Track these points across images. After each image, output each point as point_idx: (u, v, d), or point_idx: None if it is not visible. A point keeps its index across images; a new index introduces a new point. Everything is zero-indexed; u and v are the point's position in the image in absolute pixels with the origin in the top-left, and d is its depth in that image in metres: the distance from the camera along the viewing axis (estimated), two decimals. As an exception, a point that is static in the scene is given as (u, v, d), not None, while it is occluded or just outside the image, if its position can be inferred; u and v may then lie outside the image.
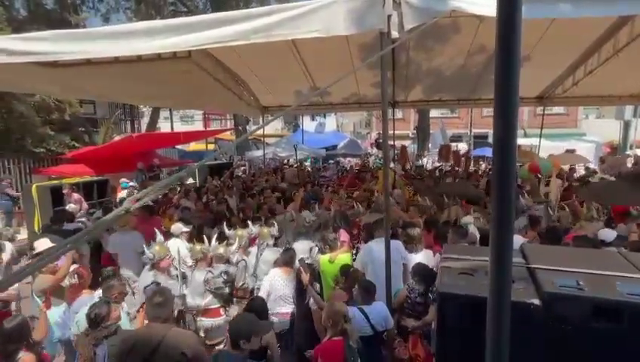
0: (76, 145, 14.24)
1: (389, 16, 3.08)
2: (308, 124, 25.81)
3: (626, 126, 17.68)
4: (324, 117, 29.84)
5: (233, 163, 14.46)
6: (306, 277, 3.89)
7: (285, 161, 16.31)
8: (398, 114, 20.91)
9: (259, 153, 16.12)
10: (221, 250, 4.15)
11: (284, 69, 7.34)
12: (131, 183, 9.28)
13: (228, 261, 4.13)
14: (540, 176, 7.72)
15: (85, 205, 7.92)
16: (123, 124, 19.51)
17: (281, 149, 16.56)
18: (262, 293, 3.86)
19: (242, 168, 14.73)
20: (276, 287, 3.91)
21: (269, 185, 9.11)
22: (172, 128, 20.68)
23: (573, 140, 17.73)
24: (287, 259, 4.06)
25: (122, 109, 19.23)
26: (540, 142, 10.93)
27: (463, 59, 6.95)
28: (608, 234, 4.12)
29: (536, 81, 8.45)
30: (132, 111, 19.88)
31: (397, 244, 4.03)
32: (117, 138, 13.35)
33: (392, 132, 10.57)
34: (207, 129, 22.98)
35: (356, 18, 3.20)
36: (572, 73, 7.67)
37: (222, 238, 4.52)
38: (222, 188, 8.89)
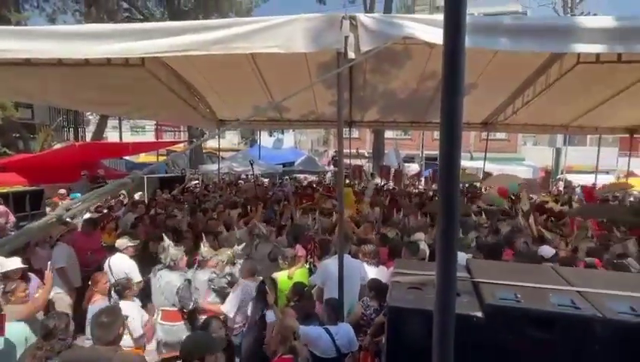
0: (8, 151, 13.04)
1: (346, 37, 3.20)
2: (265, 140, 25.67)
3: (558, 153, 19.54)
4: (282, 133, 29.88)
5: (185, 176, 13.91)
6: (271, 297, 3.79)
7: (242, 175, 16.03)
8: (355, 133, 21.49)
9: (213, 167, 15.69)
10: (229, 252, 4.35)
11: (242, 83, 7.29)
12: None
13: (233, 264, 4.34)
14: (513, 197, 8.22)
15: (12, 218, 7.17)
16: (65, 132, 18.20)
17: (237, 164, 16.24)
18: (231, 305, 3.77)
19: (195, 182, 14.23)
20: (245, 299, 3.83)
21: (223, 200, 8.86)
22: (121, 138, 19.62)
23: (514, 164, 19.17)
24: (253, 269, 4.03)
25: (65, 115, 17.96)
26: (484, 164, 11.71)
27: (415, 83, 7.32)
28: (547, 250, 4.49)
29: (482, 107, 9.09)
30: (76, 118, 18.59)
31: (359, 263, 4.09)
32: (57, 146, 12.41)
33: (348, 150, 10.80)
34: (159, 140, 22.04)
35: (315, 37, 3.29)
36: (512, 102, 8.35)
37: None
38: (171, 202, 8.51)
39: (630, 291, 1.67)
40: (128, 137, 23.96)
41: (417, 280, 1.86)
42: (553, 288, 1.72)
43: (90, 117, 21.04)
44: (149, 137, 27.17)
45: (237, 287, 3.90)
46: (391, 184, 12.95)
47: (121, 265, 4.29)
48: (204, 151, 21.20)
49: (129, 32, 3.65)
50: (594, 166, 13.36)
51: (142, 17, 18.17)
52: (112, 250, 4.61)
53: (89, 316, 3.40)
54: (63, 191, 9.03)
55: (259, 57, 5.96)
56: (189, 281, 3.96)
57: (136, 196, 9.68)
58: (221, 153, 16.51)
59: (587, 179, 13.65)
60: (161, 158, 19.47)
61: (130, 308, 3.52)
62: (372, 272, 4.09)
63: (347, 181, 11.48)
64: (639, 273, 3.91)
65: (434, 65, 6.22)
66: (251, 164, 12.15)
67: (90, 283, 3.87)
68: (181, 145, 20.91)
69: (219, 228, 5.82)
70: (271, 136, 29.37)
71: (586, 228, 5.85)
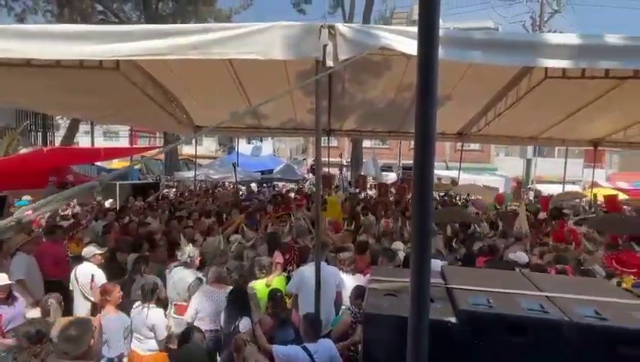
0: (-31, 156, 12.31)
1: (325, 46, 3.24)
2: (244, 147, 25.43)
3: (528, 163, 20.32)
4: (261, 141, 29.73)
5: (160, 183, 13.54)
6: (257, 316, 3.72)
7: (221, 183, 15.77)
8: (333, 142, 21.62)
9: (190, 174, 15.38)
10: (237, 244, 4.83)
11: (220, 90, 7.21)
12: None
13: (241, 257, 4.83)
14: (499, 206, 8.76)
15: None
16: (32, 136, 17.35)
17: (214, 171, 15.98)
18: (190, 314, 3.71)
19: (172, 190, 13.87)
20: (206, 304, 3.74)
21: (198, 207, 8.68)
22: (92, 143, 18.97)
23: (487, 174, 19.76)
24: (220, 276, 3.96)
25: (33, 119, 17.15)
26: (459, 174, 12.01)
27: (393, 94, 7.46)
28: (521, 256, 4.64)
29: (456, 118, 9.35)
30: (45, 121, 17.75)
31: (334, 270, 4.09)
32: (23, 151, 11.85)
33: (325, 159, 10.86)
34: (134, 146, 21.41)
35: (293, 44, 3.30)
36: (485, 114, 8.64)
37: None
38: (145, 210, 8.27)
39: (595, 296, 1.74)
40: (101, 142, 23.20)
41: (394, 287, 1.87)
42: (524, 293, 1.77)
43: (60, 121, 20.23)
44: (123, 143, 26.37)
45: (204, 292, 3.82)
46: (369, 193, 13.08)
47: (88, 274, 4.11)
48: (180, 157, 20.76)
49: (104, 33, 3.56)
50: (562, 176, 13.93)
51: (117, 21, 17.74)
52: (79, 259, 4.41)
53: (104, 329, 3.35)
54: (27, 197, 8.62)
55: (237, 64, 5.92)
56: (200, 279, 4.06)
57: (107, 203, 9.35)
58: (198, 160, 16.19)
59: (555, 189, 14.20)
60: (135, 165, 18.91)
61: (157, 315, 3.56)
62: (348, 280, 4.09)
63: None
64: (604, 278, 4.08)
65: (411, 76, 6.35)
66: (234, 167, 11.95)
67: (100, 294, 3.68)
68: (155, 150, 20.39)
69: (195, 237, 5.69)
70: (249, 143, 29.16)
71: (594, 240, 6.05)
